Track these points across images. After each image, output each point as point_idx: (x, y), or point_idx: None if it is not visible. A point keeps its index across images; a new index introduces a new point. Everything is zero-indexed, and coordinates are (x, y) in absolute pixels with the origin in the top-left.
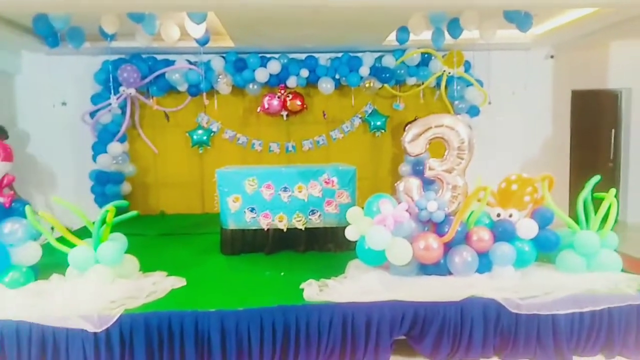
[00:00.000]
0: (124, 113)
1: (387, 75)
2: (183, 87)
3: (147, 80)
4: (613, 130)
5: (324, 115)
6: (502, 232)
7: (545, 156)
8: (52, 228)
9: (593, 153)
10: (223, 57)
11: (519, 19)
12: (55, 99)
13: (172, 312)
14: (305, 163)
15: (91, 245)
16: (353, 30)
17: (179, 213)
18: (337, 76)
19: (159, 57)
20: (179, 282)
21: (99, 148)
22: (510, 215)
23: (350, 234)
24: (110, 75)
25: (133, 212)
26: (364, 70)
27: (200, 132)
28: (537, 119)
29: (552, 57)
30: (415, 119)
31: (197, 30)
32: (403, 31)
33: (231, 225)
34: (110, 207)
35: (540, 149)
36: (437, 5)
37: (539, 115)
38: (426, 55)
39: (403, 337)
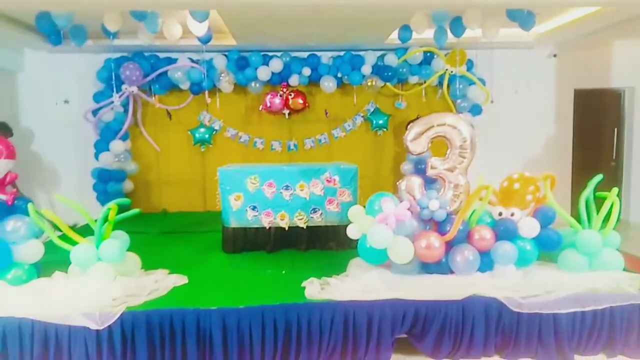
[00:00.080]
0: (126, 111)
1: (390, 73)
2: (185, 85)
3: (149, 78)
4: (616, 129)
5: (326, 113)
6: (504, 231)
7: (548, 155)
8: (54, 226)
9: (596, 152)
10: (225, 55)
11: (522, 18)
12: (57, 97)
13: (173, 309)
14: (307, 161)
15: (93, 243)
16: (355, 29)
17: (181, 211)
18: (339, 74)
19: (161, 55)
20: (180, 280)
21: (101, 146)
22: (512, 214)
23: (351, 232)
24: (113, 73)
25: (135, 210)
26: (366, 69)
27: (202, 130)
28: (540, 118)
29: (554, 56)
30: (417, 118)
31: (199, 29)
32: (405, 30)
33: (233, 223)
34: (112, 205)
35: (542, 148)
36: (439, 3)
37: (541, 114)
38: (428, 54)
39: (404, 336)
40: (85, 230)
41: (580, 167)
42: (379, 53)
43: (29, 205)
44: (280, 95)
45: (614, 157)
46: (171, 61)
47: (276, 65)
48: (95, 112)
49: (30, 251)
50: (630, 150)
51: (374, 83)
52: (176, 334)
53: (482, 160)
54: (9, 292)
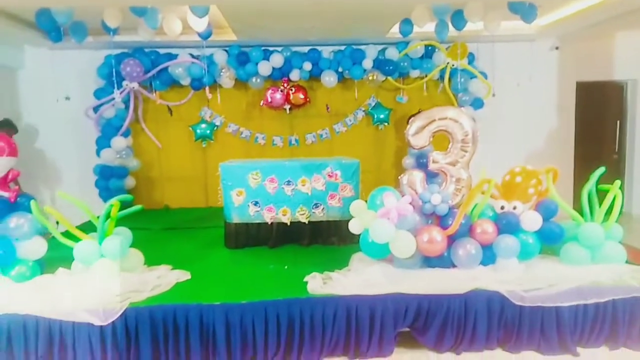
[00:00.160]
0: (127, 107)
1: (391, 67)
2: (186, 81)
3: (150, 74)
4: (618, 122)
5: (327, 108)
6: (506, 225)
7: (550, 148)
8: (57, 222)
9: (598, 145)
10: (226, 50)
11: (524, 10)
12: (58, 94)
13: (177, 305)
14: (309, 156)
15: (96, 240)
16: (356, 22)
17: (183, 207)
18: (340, 69)
19: (162, 51)
20: (183, 275)
21: (102, 142)
22: (514, 208)
23: (353, 227)
24: (113, 70)
25: (137, 207)
26: (367, 63)
27: (203, 126)
28: (542, 111)
29: (557, 48)
30: (419, 112)
31: (199, 24)
32: (406, 23)
33: (235, 219)
34: (114, 201)
35: (544, 141)
36: None
37: (543, 107)
38: (430, 48)
39: (407, 330)
40: (87, 227)
41: (582, 160)
42: (380, 47)
43: (32, 203)
44: (281, 90)
45: (616, 149)
46: (171, 57)
47: (277, 60)
48: (96, 109)
49: (34, 248)
50: (633, 143)
51: (375, 77)
52: (179, 330)
53: (484, 153)
54: (13, 289)
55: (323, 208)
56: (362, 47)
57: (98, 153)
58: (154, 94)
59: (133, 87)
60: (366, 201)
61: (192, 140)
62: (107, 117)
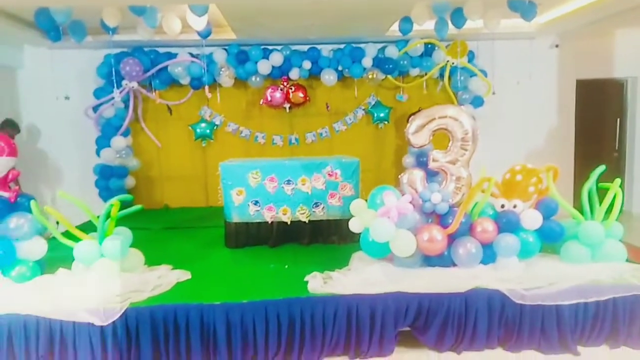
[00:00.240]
0: (127, 107)
1: (390, 66)
2: (185, 80)
3: (149, 73)
4: (618, 120)
5: (327, 107)
6: (506, 223)
7: (550, 146)
8: (57, 222)
9: (598, 143)
10: (225, 49)
11: (523, 8)
12: (58, 94)
13: (177, 305)
14: (309, 155)
15: (96, 240)
16: (355, 21)
17: (183, 206)
18: (339, 67)
19: (161, 50)
20: (184, 275)
21: (102, 142)
22: (515, 206)
23: (354, 226)
24: (113, 69)
25: (137, 206)
26: (367, 62)
27: (203, 125)
28: (542, 109)
29: (556, 46)
30: (418, 110)
31: (198, 23)
32: (406, 21)
33: (235, 218)
34: (114, 201)
35: (544, 139)
36: None
37: (543, 105)
38: (429, 46)
39: (407, 329)
40: (88, 227)
41: (582, 158)
42: (380, 45)
43: (32, 203)
44: (281, 89)
45: (616, 147)
46: (171, 56)
47: (276, 58)
48: (95, 108)
49: (34, 248)
50: (633, 141)
51: (374, 76)
52: (180, 329)
53: (484, 152)
54: (14, 290)
55: (323, 207)
56: (362, 45)
57: (98, 153)
58: (154, 93)
59: (132, 87)
60: (366, 200)
61: (191, 139)
62: (107, 116)
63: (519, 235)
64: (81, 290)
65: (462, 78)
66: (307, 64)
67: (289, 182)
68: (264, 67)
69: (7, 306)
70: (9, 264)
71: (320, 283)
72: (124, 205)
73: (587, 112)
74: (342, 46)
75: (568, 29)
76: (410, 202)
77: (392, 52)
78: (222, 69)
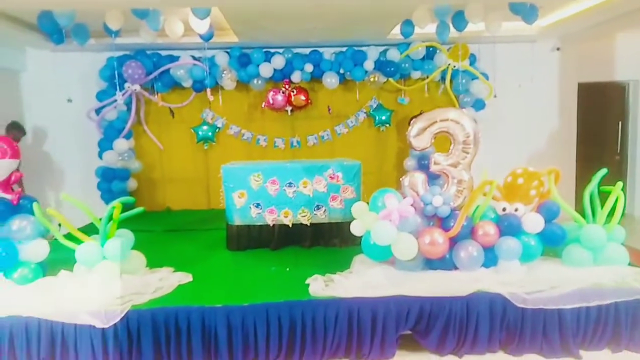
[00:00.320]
0: (129, 109)
1: (392, 69)
2: (188, 83)
3: (151, 76)
4: (620, 123)
5: (329, 110)
6: (508, 227)
7: (552, 149)
8: (59, 224)
9: (600, 146)
10: (227, 52)
11: (525, 11)
12: (60, 96)
13: (178, 307)
14: (310, 158)
15: (98, 242)
16: (357, 24)
17: (185, 209)
18: (341, 70)
19: (164, 53)
20: (185, 277)
21: (104, 145)
22: (516, 210)
23: (355, 229)
24: (115, 72)
25: (139, 209)
26: (369, 64)
27: (205, 128)
28: (543, 112)
29: (558, 49)
30: (420, 113)
31: (201, 26)
32: (407, 24)
33: (237, 221)
34: (116, 203)
35: (546, 142)
36: None
37: (545, 108)
38: (431, 49)
39: (409, 332)
40: (90, 229)
41: (584, 161)
42: (381, 48)
43: (34, 205)
44: (283, 92)
45: (618, 150)
46: (173, 59)
47: (278, 61)
48: (98, 111)
49: (36, 250)
50: (635, 144)
51: (376, 79)
52: (181, 332)
53: (486, 155)
54: (16, 292)
55: (325, 210)
56: (364, 48)
57: (100, 155)
58: (156, 96)
59: (135, 89)
60: (368, 203)
61: (193, 142)
62: (109, 119)
63: (520, 239)
64: (83, 292)
65: (463, 81)
66: (309, 67)
67: (290, 184)
68: (266, 70)
69: (9, 308)
70: (12, 266)
71: (322, 286)
72: (126, 207)
73: (588, 115)
74: (344, 49)
75: (569, 32)
76: (412, 205)
77: (393, 55)
78: (224, 72)
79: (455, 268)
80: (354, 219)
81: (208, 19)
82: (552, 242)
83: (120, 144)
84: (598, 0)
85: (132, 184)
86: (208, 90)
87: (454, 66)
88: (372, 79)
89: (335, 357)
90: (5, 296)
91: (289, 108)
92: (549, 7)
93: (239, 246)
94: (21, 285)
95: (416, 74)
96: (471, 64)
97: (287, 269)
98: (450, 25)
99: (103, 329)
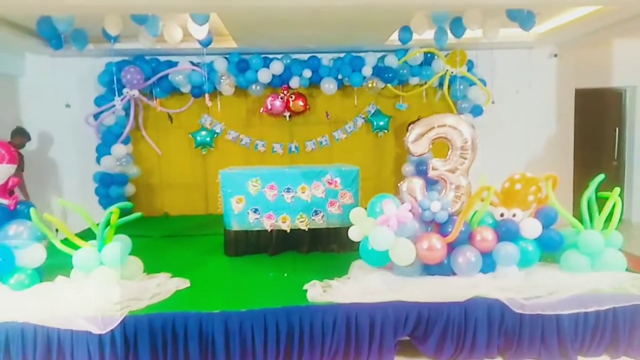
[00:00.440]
0: (127, 115)
1: (390, 75)
2: (186, 89)
3: (150, 81)
4: (617, 129)
5: (327, 115)
6: (506, 232)
7: (549, 155)
8: (57, 230)
9: (597, 152)
10: (226, 58)
11: (522, 18)
12: (59, 101)
13: (176, 313)
14: (308, 164)
15: (95, 247)
16: (355, 30)
17: (183, 214)
18: (339, 76)
19: (162, 58)
20: (183, 283)
21: (102, 150)
22: (514, 215)
23: (353, 234)
24: (114, 77)
25: (137, 214)
26: (367, 70)
27: (203, 133)
28: (541, 118)
29: (555, 55)
30: (418, 119)
31: (199, 32)
32: (405, 31)
33: (234, 226)
34: (114, 208)
35: (544, 148)
36: (439, 4)
37: (542, 114)
38: (429, 55)
39: (407, 338)
40: (87, 234)
41: (582, 167)
42: (380, 54)
43: (31, 210)
44: (281, 98)
45: (615, 156)
46: (172, 64)
47: (277, 67)
48: (96, 116)
49: (33, 256)
50: (632, 150)
51: (374, 84)
52: (178, 338)
53: (484, 161)
54: (12, 297)
55: (323, 215)
56: (362, 54)
57: (98, 160)
58: (154, 102)
59: (133, 95)
60: (366, 208)
61: (192, 147)
62: (108, 124)
63: (518, 244)
64: (80, 298)
65: (461, 87)
66: (307, 73)
67: (288, 190)
68: (265, 75)
69: (5, 314)
70: (8, 272)
71: (320, 292)
72: (124, 212)
73: (586, 121)
74: (342, 55)
75: (567, 39)
76: (410, 211)
77: (391, 61)
78: (223, 78)
79: (453, 274)
80: (352, 224)
81: (207, 25)
82: (549, 248)
83: (119, 149)
84: (595, 8)
85: (130, 189)
86: (206, 95)
87: (452, 72)
88: (370, 85)
89: None
90: (1, 302)
91: (287, 113)
92: (546, 14)
93: (236, 252)
94: (17, 291)
95: (414, 80)
96: (469, 70)
97: (285, 275)
98: (448, 32)
99: (100, 335)
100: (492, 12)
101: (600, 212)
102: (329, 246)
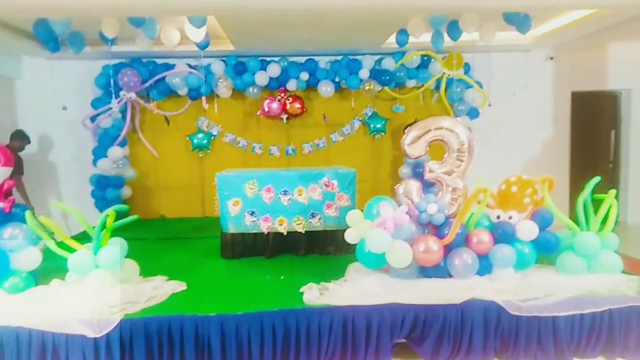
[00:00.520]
0: (124, 117)
1: (387, 77)
2: (183, 91)
3: (147, 84)
4: (613, 131)
5: (324, 118)
6: (502, 234)
7: (545, 157)
8: (52, 233)
9: (593, 154)
10: (223, 60)
11: (518, 21)
12: (56, 104)
13: (172, 316)
14: (306, 166)
15: (91, 250)
16: (353, 33)
17: (179, 217)
18: (337, 79)
19: (159, 61)
20: (179, 286)
21: (99, 152)
22: (510, 217)
23: (350, 237)
24: (111, 80)
25: (133, 217)
26: (364, 73)
27: (200, 135)
28: (537, 121)
29: (551, 58)
30: (415, 122)
31: (197, 34)
32: (402, 33)
33: (231, 229)
34: (110, 211)
35: (540, 151)
36: (436, 7)
37: (539, 117)
38: (426, 58)
39: (403, 340)
40: (83, 237)
41: (578, 169)
42: (377, 57)
43: (27, 213)
44: (278, 100)
45: (611, 159)
46: (169, 67)
47: (274, 70)
48: (93, 119)
49: (28, 259)
50: (628, 152)
51: (371, 87)
52: (174, 341)
53: (480, 163)
54: (6, 301)
55: (320, 218)
56: (359, 57)
57: (95, 163)
58: (151, 104)
59: (130, 97)
60: (363, 211)
61: (189, 149)
62: (104, 126)
63: (514, 246)
64: (75, 301)
65: (458, 90)
66: (304, 76)
67: (285, 192)
68: (262, 78)
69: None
70: (3, 275)
71: (316, 294)
72: (120, 215)
73: (582, 123)
74: (339, 58)
75: (563, 42)
76: (407, 213)
77: (388, 63)
78: (220, 80)
79: (450, 276)
80: (348, 226)
81: (204, 28)
82: (546, 250)
83: (115, 151)
84: (590, 11)
85: (126, 191)
86: (203, 98)
87: (449, 75)
88: (367, 88)
89: None
90: None
91: (284, 116)
92: (543, 17)
93: (233, 254)
94: (12, 294)
95: (411, 83)
96: (466, 72)
97: (282, 277)
98: (445, 35)
99: (95, 338)
100: (488, 15)
101: (596, 214)
102: (325, 249)
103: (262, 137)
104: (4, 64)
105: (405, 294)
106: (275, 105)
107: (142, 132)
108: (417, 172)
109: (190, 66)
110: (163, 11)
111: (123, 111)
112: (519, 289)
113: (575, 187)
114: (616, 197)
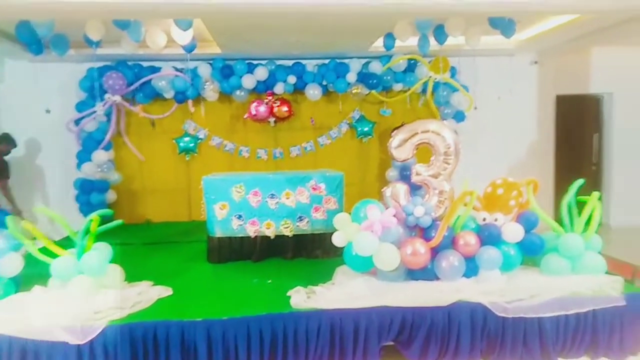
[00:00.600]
0: (109, 120)
1: (374, 81)
2: (169, 94)
3: (132, 87)
4: (596, 134)
5: (312, 121)
6: (488, 236)
7: (530, 160)
8: (34, 238)
9: (577, 156)
10: (210, 63)
11: (503, 25)
12: (39, 107)
13: (157, 322)
14: (293, 169)
15: (75, 255)
16: (340, 37)
17: (165, 221)
18: (324, 82)
19: (145, 64)
20: (165, 291)
21: (83, 156)
22: (496, 220)
23: (337, 240)
24: (96, 83)
25: (118, 221)
26: (351, 77)
27: (186, 139)
28: (522, 124)
29: (536, 62)
30: (402, 125)
31: (183, 37)
32: (389, 37)
33: (218, 233)
34: (94, 216)
35: (525, 153)
36: (423, 12)
37: (523, 120)
38: (412, 61)
39: (391, 343)
40: (66, 243)
41: (562, 171)
42: (364, 61)
43: (7, 218)
44: (266, 103)
45: (594, 161)
46: (155, 70)
47: (261, 73)
48: (77, 122)
49: (9, 265)
50: (610, 155)
51: (359, 90)
52: (160, 347)
53: (466, 166)
54: None
55: (307, 221)
56: (346, 60)
57: (79, 167)
58: (137, 107)
59: (115, 100)
60: (350, 214)
61: (175, 153)
62: (89, 130)
63: (500, 248)
64: (57, 307)
65: (444, 93)
66: (291, 79)
67: (272, 196)
68: (249, 81)
69: None
70: None
71: (304, 298)
72: (104, 220)
73: (566, 126)
74: (326, 61)
75: (547, 46)
76: (394, 216)
77: (375, 67)
78: (207, 83)
79: (437, 278)
80: (336, 230)
81: (190, 31)
82: (531, 252)
83: (99, 155)
84: (573, 16)
85: (111, 196)
86: (190, 101)
87: (435, 78)
88: (354, 91)
89: None
90: None
91: (271, 119)
92: (527, 22)
93: (220, 258)
94: None
95: (398, 86)
96: (452, 76)
97: (269, 281)
98: (431, 39)
99: (78, 345)
100: (474, 19)
101: (579, 215)
102: (313, 252)
103: (249, 141)
104: None
105: (392, 296)
106: (262, 109)
107: (128, 135)
108: (404, 175)
109: (176, 69)
110: (149, 14)
111: (108, 114)
112: (504, 290)
113: (560, 188)
114: (599, 199)
